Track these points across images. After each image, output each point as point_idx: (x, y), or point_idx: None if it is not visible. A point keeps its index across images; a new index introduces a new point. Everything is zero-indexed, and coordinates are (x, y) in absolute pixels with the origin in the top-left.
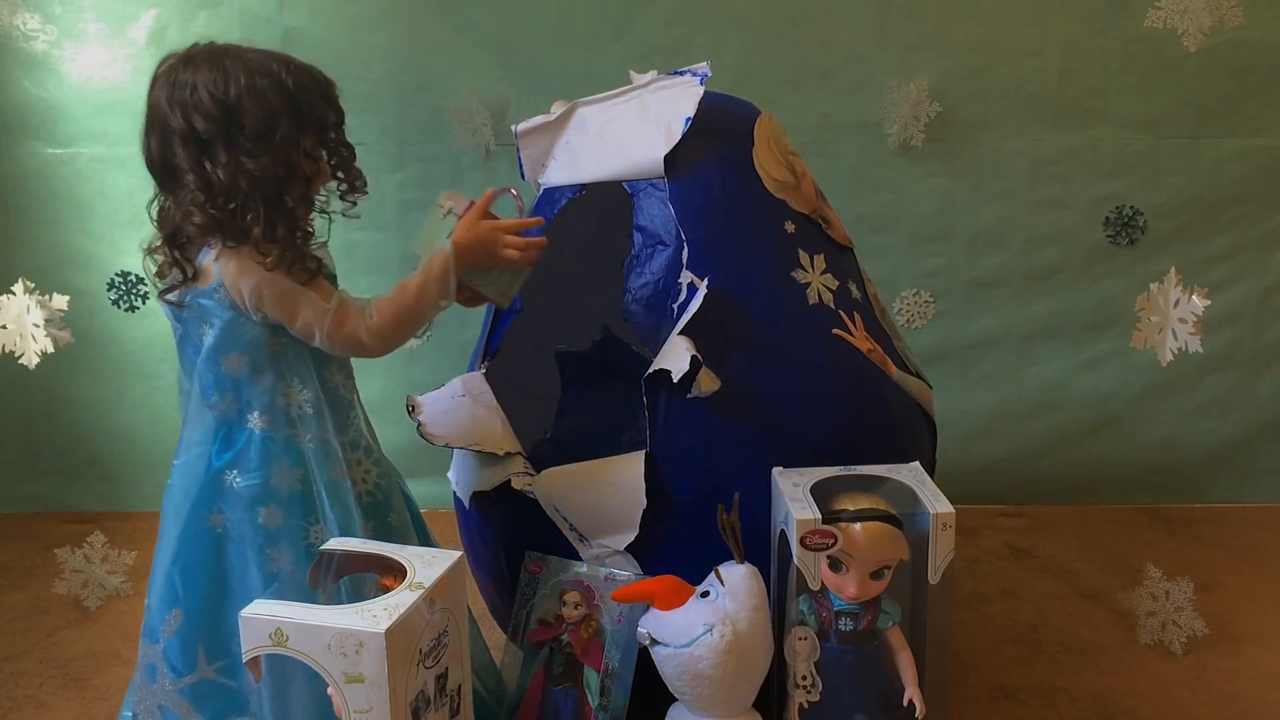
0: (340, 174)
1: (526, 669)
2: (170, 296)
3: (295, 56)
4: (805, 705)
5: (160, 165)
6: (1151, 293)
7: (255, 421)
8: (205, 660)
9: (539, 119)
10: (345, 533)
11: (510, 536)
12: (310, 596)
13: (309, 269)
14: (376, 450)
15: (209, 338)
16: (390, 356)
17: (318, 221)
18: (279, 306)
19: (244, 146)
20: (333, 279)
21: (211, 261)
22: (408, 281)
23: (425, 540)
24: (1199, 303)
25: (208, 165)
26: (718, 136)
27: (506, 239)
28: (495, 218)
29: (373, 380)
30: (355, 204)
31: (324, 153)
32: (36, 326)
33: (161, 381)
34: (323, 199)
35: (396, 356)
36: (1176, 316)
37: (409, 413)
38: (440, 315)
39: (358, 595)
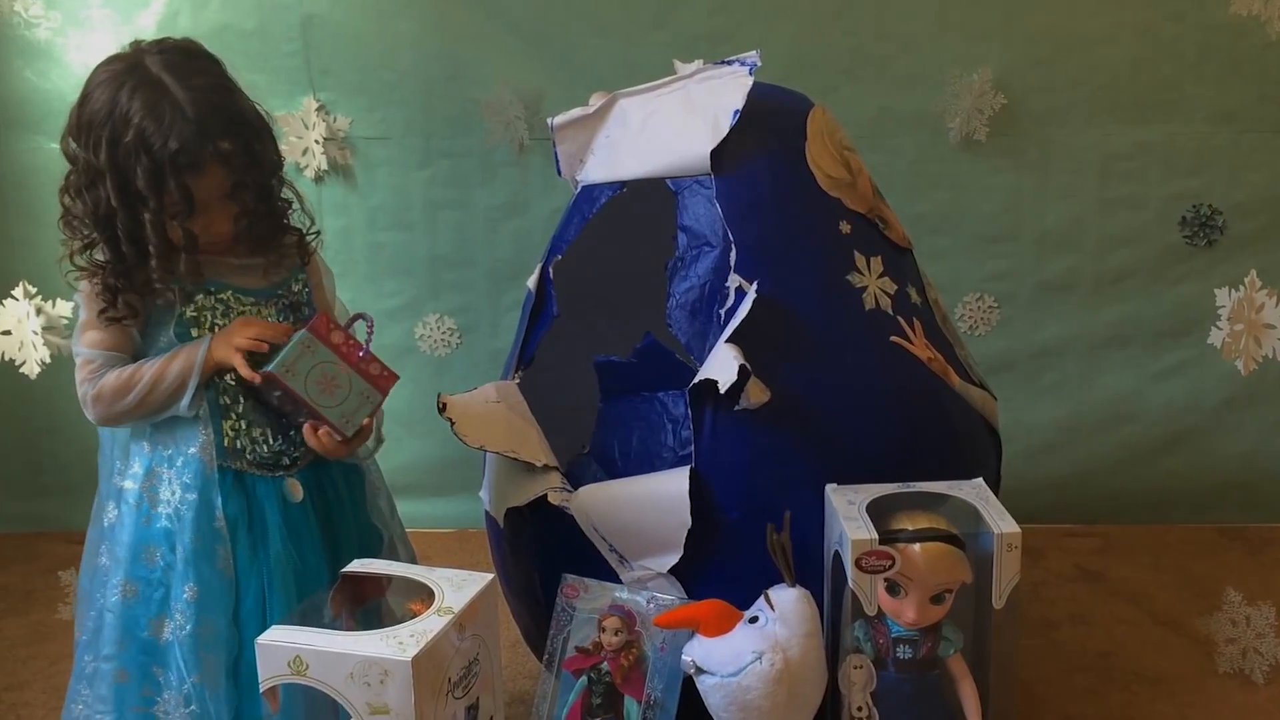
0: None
1: (563, 700)
2: None
3: (232, 99)
4: None
5: None
6: (1239, 298)
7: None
8: None
9: (576, 112)
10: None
11: (545, 558)
12: (331, 622)
13: (117, 316)
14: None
15: None
16: (418, 366)
17: None
18: (79, 331)
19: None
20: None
21: None
22: (150, 365)
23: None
24: None
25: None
26: (768, 130)
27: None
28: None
29: (399, 390)
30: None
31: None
32: (37, 334)
33: None
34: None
35: (424, 365)
36: (1263, 322)
37: (440, 411)
38: (470, 320)
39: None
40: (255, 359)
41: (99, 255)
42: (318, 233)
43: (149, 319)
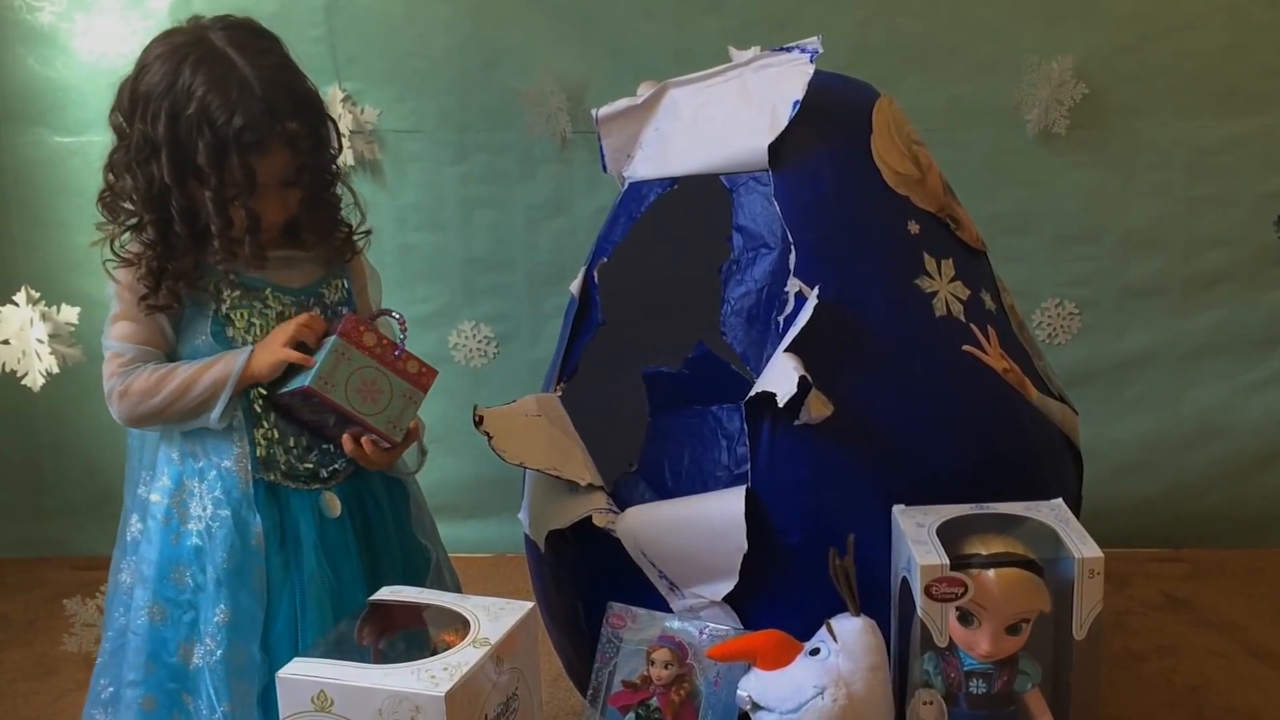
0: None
1: None
2: None
3: (286, 80)
4: None
5: None
6: None
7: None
8: None
9: (623, 102)
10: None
11: (590, 585)
12: (359, 654)
13: (159, 304)
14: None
15: None
16: (452, 377)
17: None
18: (109, 323)
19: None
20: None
21: None
22: (185, 369)
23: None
24: None
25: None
26: (830, 123)
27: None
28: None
29: (431, 404)
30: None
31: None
32: (41, 342)
33: None
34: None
35: (459, 377)
36: None
37: (476, 425)
38: (508, 328)
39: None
40: (289, 375)
41: (146, 236)
42: (367, 231)
43: (183, 314)
